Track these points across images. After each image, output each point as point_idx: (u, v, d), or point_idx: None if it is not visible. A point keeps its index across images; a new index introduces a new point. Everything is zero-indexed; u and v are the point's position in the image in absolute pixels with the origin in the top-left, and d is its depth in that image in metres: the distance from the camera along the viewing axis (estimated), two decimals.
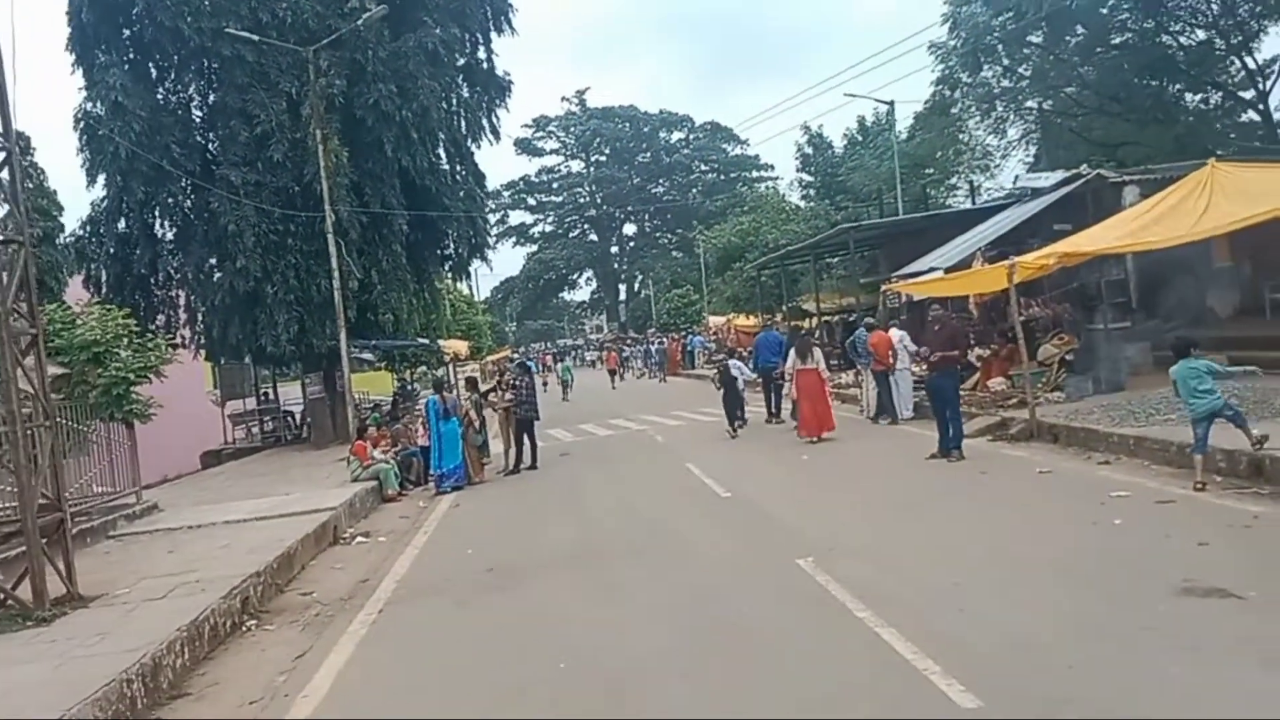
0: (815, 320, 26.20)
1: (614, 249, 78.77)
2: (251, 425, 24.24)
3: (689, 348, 39.82)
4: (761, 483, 10.72)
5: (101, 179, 19.41)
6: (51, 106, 24.66)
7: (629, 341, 55.45)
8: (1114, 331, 13.81)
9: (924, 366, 12.53)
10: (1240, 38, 25.07)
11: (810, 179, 44.74)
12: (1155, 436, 9.09)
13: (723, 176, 71.54)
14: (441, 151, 22.11)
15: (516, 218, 76.30)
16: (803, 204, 42.11)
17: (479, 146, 23.38)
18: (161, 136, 18.58)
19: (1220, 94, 27.47)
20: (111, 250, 20.05)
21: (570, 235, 77.13)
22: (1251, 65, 25.64)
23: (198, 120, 20.78)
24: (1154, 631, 4.63)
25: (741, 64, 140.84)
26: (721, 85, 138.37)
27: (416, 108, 19.54)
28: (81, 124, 19.04)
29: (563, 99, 75.34)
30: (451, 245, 23.38)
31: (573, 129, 74.41)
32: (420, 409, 17.14)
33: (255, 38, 17.90)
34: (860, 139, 42.22)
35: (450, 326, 33.63)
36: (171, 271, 20.97)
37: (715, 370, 19.25)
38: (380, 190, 19.81)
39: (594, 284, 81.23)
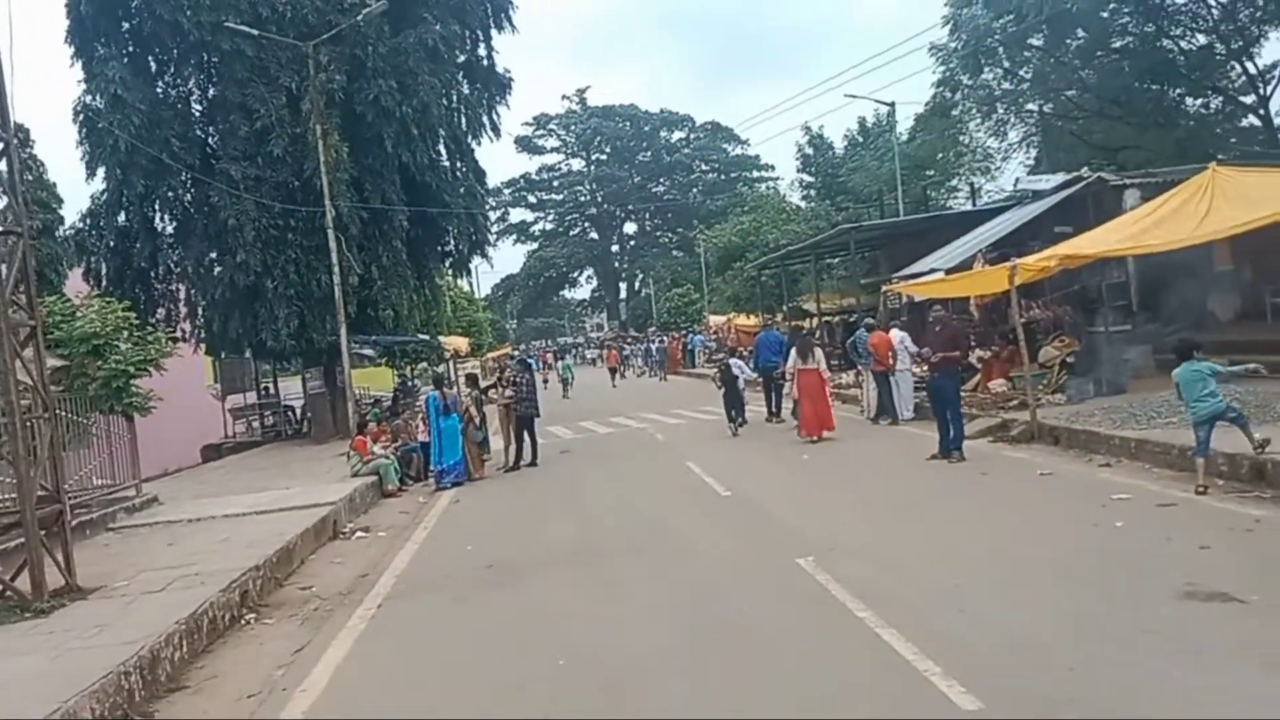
0: (816, 320, 26.21)
1: (614, 247, 78.76)
2: (252, 419, 24.28)
3: (689, 347, 39.86)
4: (762, 482, 10.72)
5: (101, 172, 19.42)
6: (51, 99, 24.69)
7: (629, 340, 55.38)
8: (1115, 334, 13.80)
9: (925, 367, 12.52)
10: (1241, 43, 25.06)
11: (811, 179, 44.77)
12: (1157, 439, 9.07)
13: (723, 176, 71.54)
14: (442, 148, 22.08)
15: (517, 215, 76.52)
16: (803, 204, 42.11)
17: (479, 143, 23.45)
18: (161, 130, 18.56)
19: (1221, 99, 27.43)
20: (111, 243, 20.03)
21: (571, 233, 77.12)
22: (1252, 70, 25.63)
23: (197, 114, 20.75)
24: (1155, 634, 4.63)
25: (742, 64, 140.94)
26: (722, 85, 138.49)
27: (417, 104, 19.51)
28: (81, 117, 19.03)
29: (563, 97, 75.80)
30: (452, 241, 23.35)
31: (573, 127, 74.38)
32: (420, 405, 17.13)
33: (255, 32, 17.88)
34: (861, 140, 42.23)
35: (451, 323, 33.65)
36: (171, 265, 20.97)
37: (716, 369, 19.25)
38: (380, 186, 19.79)
39: (594, 282, 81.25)
